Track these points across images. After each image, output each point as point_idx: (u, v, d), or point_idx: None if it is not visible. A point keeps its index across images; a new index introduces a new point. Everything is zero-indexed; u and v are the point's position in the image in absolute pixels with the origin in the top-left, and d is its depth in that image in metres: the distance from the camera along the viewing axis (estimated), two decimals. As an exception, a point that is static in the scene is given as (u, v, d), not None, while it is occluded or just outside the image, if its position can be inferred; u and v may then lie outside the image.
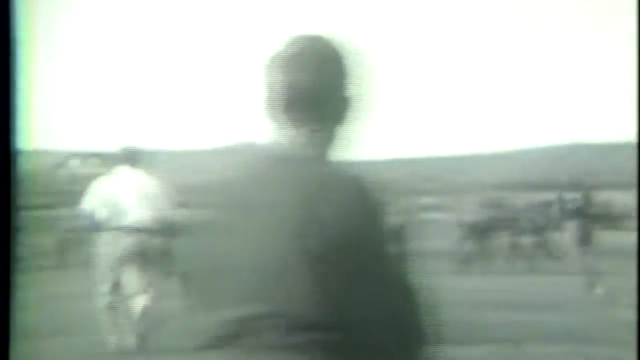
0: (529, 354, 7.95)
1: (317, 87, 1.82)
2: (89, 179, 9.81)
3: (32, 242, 32.58)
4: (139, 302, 7.74)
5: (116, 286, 7.83)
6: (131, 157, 8.11)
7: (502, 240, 21.41)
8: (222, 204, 1.83)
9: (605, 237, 19.80)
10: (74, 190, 8.75)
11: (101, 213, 7.70)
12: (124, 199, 7.70)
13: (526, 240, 21.13)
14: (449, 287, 15.48)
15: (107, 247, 7.79)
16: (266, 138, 1.89)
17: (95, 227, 7.80)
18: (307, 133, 1.83)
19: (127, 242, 7.68)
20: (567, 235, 18.87)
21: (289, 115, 1.83)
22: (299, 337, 1.65)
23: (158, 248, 7.69)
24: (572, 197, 17.90)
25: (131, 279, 7.78)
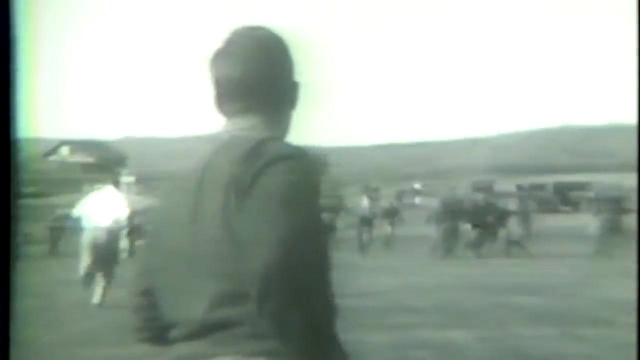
0: (517, 336, 8.02)
1: (256, 75, 1.83)
2: (78, 167, 13.14)
3: (24, 230, 32.44)
4: (97, 291, 10.28)
5: (89, 274, 10.46)
6: (117, 180, 11.78)
7: (490, 224, 21.18)
8: (171, 195, 1.83)
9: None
10: (64, 178, 9.79)
11: (83, 217, 10.38)
12: (96, 207, 10.32)
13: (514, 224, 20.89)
14: (436, 271, 15.60)
15: (83, 242, 10.43)
16: (218, 127, 1.89)
17: (79, 227, 10.54)
18: (252, 120, 1.84)
19: (87, 237, 10.29)
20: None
21: (235, 104, 1.85)
22: (260, 325, 1.60)
23: (106, 244, 10.34)
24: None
25: (94, 268, 10.34)
